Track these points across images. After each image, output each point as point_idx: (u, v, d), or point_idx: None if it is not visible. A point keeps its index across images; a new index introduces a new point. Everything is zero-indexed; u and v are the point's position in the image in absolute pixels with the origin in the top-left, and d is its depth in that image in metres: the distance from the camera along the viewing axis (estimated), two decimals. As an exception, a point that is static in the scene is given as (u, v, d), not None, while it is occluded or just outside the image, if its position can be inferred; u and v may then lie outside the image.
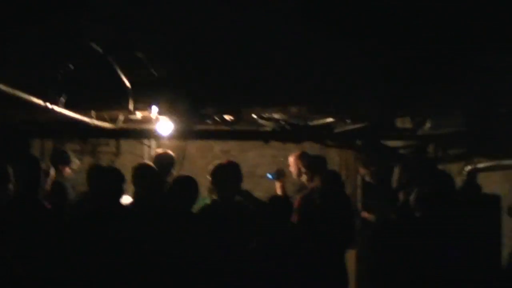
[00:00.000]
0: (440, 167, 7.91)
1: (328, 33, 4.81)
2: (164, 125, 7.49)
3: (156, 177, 6.97)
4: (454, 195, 7.00)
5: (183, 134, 7.58)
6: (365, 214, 8.79)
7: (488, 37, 4.99)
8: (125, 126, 8.27)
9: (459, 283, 5.96)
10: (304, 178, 8.17)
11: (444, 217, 6.20)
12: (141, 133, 8.53)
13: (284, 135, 6.98)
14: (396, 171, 7.20)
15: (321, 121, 7.59)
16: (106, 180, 6.11)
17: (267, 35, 4.70)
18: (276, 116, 7.14)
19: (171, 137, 7.74)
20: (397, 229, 6.84)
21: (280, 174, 8.78)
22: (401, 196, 7.08)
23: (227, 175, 6.78)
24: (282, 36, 4.80)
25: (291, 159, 8.68)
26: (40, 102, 5.47)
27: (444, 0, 4.64)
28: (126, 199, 6.85)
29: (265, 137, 7.44)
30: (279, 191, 8.58)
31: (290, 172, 8.80)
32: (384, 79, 5.67)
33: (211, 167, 6.89)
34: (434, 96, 6.09)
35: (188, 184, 6.17)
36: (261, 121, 7.47)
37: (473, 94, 6.08)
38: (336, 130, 7.79)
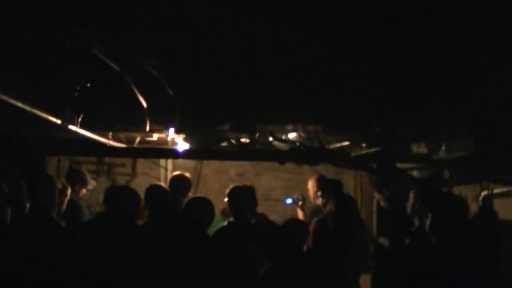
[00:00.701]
0: (455, 192, 7.88)
1: (344, 54, 4.83)
2: (180, 146, 7.51)
3: (168, 198, 6.99)
4: (469, 221, 6.97)
5: (199, 154, 7.59)
6: (380, 239, 8.75)
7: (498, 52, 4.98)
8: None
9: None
10: (320, 201, 8.16)
11: (459, 243, 6.17)
12: (158, 152, 8.53)
13: (300, 156, 6.97)
14: (411, 196, 7.17)
15: (336, 145, 7.60)
16: (123, 200, 6.10)
17: (280, 53, 4.71)
18: (291, 138, 7.14)
19: (187, 157, 7.75)
20: (411, 255, 6.81)
21: (299, 199, 8.79)
22: (415, 221, 7.05)
23: (244, 197, 6.79)
24: (297, 54, 4.81)
25: (310, 183, 8.69)
26: (57, 121, 5.50)
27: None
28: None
29: (281, 157, 7.44)
30: (300, 216, 8.58)
31: (306, 195, 8.81)
32: (398, 103, 5.67)
33: (228, 189, 6.91)
34: (446, 120, 6.08)
35: (203, 205, 6.15)
36: (276, 143, 7.48)
37: (482, 117, 6.07)
38: (351, 154, 7.79)
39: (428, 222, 6.32)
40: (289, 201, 8.89)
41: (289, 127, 6.21)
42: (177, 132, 6.73)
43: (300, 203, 8.80)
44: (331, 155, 7.47)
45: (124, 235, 5.87)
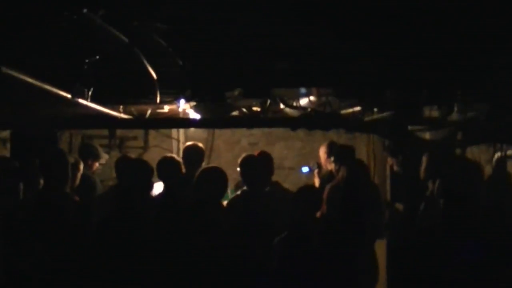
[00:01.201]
0: (468, 155, 7.85)
1: (356, 23, 4.78)
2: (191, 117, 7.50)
3: (181, 169, 7.00)
4: (481, 184, 6.95)
5: (212, 122, 7.56)
6: (394, 205, 8.75)
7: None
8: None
9: (488, 274, 5.90)
10: (332, 167, 8.17)
11: (472, 207, 6.15)
12: (171, 122, 8.51)
13: (312, 121, 6.93)
14: (424, 160, 7.14)
15: (348, 110, 7.56)
16: (135, 172, 6.09)
17: (291, 15, 4.66)
18: (303, 104, 7.11)
19: (200, 125, 7.72)
20: (426, 219, 6.80)
21: (316, 167, 8.80)
22: (429, 185, 7.03)
23: (256, 166, 6.78)
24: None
25: (321, 150, 8.70)
26: (67, 95, 5.49)
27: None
28: (158, 188, 6.89)
29: (293, 123, 7.40)
30: (317, 185, 8.60)
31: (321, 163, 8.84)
32: (411, 66, 5.62)
33: (240, 158, 6.91)
34: (460, 83, 6.03)
35: (217, 175, 6.12)
36: (288, 110, 7.45)
37: (498, 81, 6.01)
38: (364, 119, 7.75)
39: (437, 186, 6.29)
40: (305, 169, 8.91)
41: (302, 90, 6.15)
42: (188, 100, 6.70)
43: (316, 171, 8.82)
44: (344, 120, 7.43)
45: (138, 207, 5.88)
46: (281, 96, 6.94)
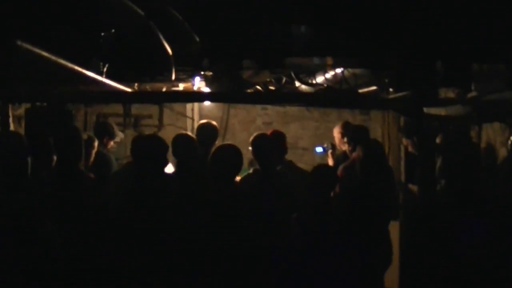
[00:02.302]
0: (483, 137, 7.82)
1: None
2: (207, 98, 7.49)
3: (195, 147, 6.99)
4: (493, 166, 6.93)
5: (226, 97, 7.53)
6: (408, 186, 8.73)
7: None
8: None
9: (501, 255, 5.89)
10: (346, 148, 8.15)
11: (482, 188, 6.13)
12: (185, 96, 8.48)
13: (328, 98, 6.89)
14: (438, 141, 7.12)
15: (364, 90, 7.53)
16: (150, 148, 6.08)
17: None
18: (319, 81, 7.07)
19: (215, 99, 7.69)
20: (441, 201, 6.78)
21: (330, 148, 8.79)
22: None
23: (267, 145, 6.77)
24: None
25: (335, 130, 8.68)
26: (84, 71, 5.48)
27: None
28: (170, 168, 6.89)
29: (309, 100, 7.37)
30: (331, 162, 8.59)
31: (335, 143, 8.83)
32: (427, 47, 5.58)
33: (251, 137, 6.89)
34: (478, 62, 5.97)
35: (232, 152, 6.09)
36: (303, 87, 7.42)
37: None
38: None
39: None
40: (319, 149, 8.89)
41: (316, 60, 6.09)
42: (205, 70, 6.66)
43: (330, 151, 8.81)
44: (360, 97, 7.39)
45: (152, 183, 5.88)
46: (297, 72, 6.92)
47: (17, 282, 4.03)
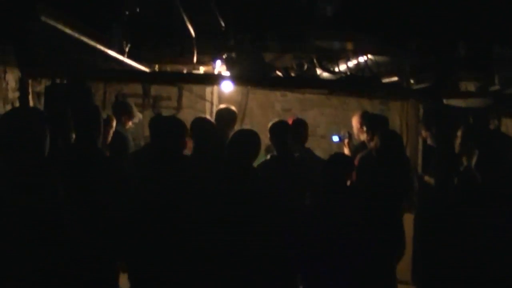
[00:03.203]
0: (503, 129, 7.78)
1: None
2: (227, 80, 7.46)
3: (214, 130, 6.99)
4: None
5: (247, 81, 7.51)
6: (426, 178, 8.69)
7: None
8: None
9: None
10: (364, 137, 8.13)
11: (507, 182, 6.08)
12: (205, 78, 8.47)
13: (350, 84, 6.86)
14: (459, 134, 7.07)
15: (386, 79, 7.50)
16: (169, 128, 6.07)
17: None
18: (341, 69, 7.05)
19: (235, 83, 7.67)
20: (458, 195, 6.74)
21: (347, 136, 8.78)
22: (464, 160, 6.97)
23: (285, 131, 6.76)
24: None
25: (354, 119, 8.67)
26: (106, 50, 5.49)
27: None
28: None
29: (331, 85, 7.34)
30: (346, 152, 8.58)
31: (353, 132, 8.82)
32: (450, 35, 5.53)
33: (269, 124, 6.89)
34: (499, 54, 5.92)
35: (250, 137, 6.08)
36: (325, 75, 7.41)
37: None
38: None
39: (474, 160, 6.22)
40: (335, 138, 8.88)
41: (337, 45, 6.06)
42: (229, 50, 6.64)
43: (346, 140, 8.79)
44: (381, 84, 7.36)
45: (170, 165, 5.87)
46: (319, 58, 6.90)
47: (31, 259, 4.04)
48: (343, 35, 5.68)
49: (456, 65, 5.99)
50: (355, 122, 8.65)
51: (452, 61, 5.82)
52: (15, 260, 3.81)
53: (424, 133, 8.63)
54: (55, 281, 4.09)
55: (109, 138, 7.63)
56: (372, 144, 7.79)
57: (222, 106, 8.00)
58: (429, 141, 8.42)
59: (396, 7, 4.88)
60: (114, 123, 7.91)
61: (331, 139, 8.98)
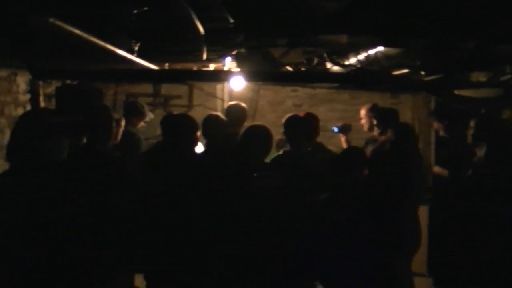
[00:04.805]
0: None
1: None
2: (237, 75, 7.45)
3: (226, 127, 6.99)
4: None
5: (258, 76, 7.48)
6: (438, 170, 8.67)
7: None
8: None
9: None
10: (375, 131, 8.11)
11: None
12: (215, 75, 8.46)
13: (360, 78, 6.84)
14: (471, 125, 7.05)
15: (396, 72, 7.47)
16: (181, 126, 6.07)
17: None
18: (351, 61, 7.01)
19: (247, 79, 7.66)
20: (472, 186, 6.71)
21: (345, 129, 8.78)
22: (477, 151, 6.94)
23: (299, 126, 6.76)
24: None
25: (363, 112, 8.66)
26: (115, 49, 5.48)
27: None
28: (199, 148, 6.89)
29: (341, 79, 7.32)
30: (344, 145, 8.58)
31: (360, 125, 8.80)
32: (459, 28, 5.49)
33: (284, 118, 6.88)
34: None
35: (262, 133, 6.08)
36: (335, 68, 7.38)
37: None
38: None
39: (484, 152, 6.19)
40: (334, 129, 8.90)
41: (343, 38, 6.01)
42: (238, 47, 6.62)
43: (345, 132, 8.81)
44: (392, 77, 7.33)
45: (182, 162, 5.88)
46: (329, 52, 6.88)
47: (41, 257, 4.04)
48: (352, 28, 5.64)
49: (466, 58, 5.96)
50: (364, 115, 8.65)
51: (462, 55, 5.78)
52: (26, 263, 3.81)
53: (436, 125, 8.61)
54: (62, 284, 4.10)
55: (118, 138, 7.63)
56: (383, 137, 7.78)
57: (232, 103, 8.00)
58: (441, 133, 8.40)
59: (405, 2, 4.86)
60: (123, 123, 7.91)
61: (332, 129, 9.02)
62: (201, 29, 5.09)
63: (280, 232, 5.55)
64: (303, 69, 7.92)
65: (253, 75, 7.27)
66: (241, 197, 5.62)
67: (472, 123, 7.02)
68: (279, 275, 5.63)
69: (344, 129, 8.83)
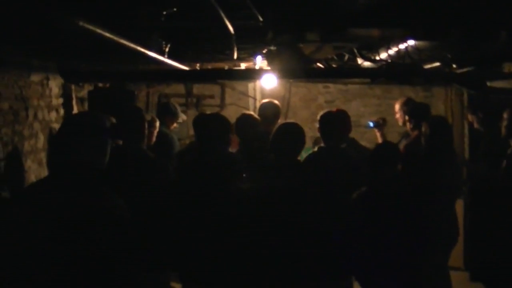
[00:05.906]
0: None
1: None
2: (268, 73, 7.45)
3: (258, 126, 6.99)
4: None
5: (289, 74, 7.46)
6: (473, 163, 8.62)
7: None
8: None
9: None
10: (407, 125, 8.08)
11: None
12: (246, 74, 8.45)
13: (392, 72, 6.79)
14: (505, 117, 6.98)
15: (428, 65, 7.42)
16: (214, 125, 6.07)
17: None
18: (382, 56, 6.98)
19: (279, 77, 7.65)
20: (507, 179, 6.66)
21: (380, 123, 8.72)
22: (511, 143, 6.89)
23: (334, 122, 6.73)
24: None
25: (397, 106, 8.63)
26: (145, 51, 5.50)
27: None
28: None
29: (372, 74, 7.28)
30: (379, 140, 8.53)
31: (395, 119, 8.76)
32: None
33: (319, 115, 6.87)
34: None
35: (295, 130, 6.06)
36: (366, 64, 7.35)
37: None
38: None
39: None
40: (370, 124, 8.85)
41: (375, 31, 5.96)
42: (268, 44, 6.62)
43: (378, 133, 8.76)
44: (424, 71, 7.28)
45: (216, 162, 5.88)
46: (360, 48, 6.85)
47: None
48: (385, 22, 5.61)
49: (497, 49, 5.90)
50: (398, 109, 8.62)
51: (494, 46, 5.72)
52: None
53: (470, 117, 8.55)
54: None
55: (153, 139, 7.67)
56: (415, 132, 7.75)
57: (265, 101, 8.00)
58: (475, 125, 8.34)
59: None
60: (158, 124, 7.95)
61: (368, 125, 8.96)
62: (231, 28, 5.10)
63: (315, 231, 5.53)
64: (334, 65, 7.90)
65: (284, 73, 7.26)
66: (277, 196, 5.61)
67: (505, 115, 6.94)
68: (316, 274, 5.62)
69: (379, 124, 8.77)
